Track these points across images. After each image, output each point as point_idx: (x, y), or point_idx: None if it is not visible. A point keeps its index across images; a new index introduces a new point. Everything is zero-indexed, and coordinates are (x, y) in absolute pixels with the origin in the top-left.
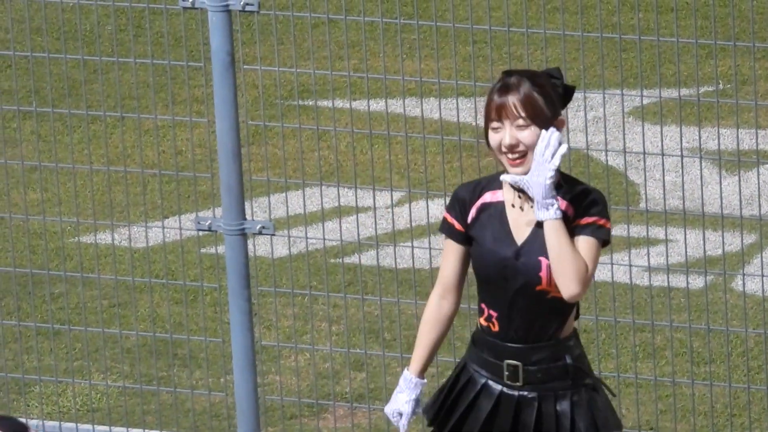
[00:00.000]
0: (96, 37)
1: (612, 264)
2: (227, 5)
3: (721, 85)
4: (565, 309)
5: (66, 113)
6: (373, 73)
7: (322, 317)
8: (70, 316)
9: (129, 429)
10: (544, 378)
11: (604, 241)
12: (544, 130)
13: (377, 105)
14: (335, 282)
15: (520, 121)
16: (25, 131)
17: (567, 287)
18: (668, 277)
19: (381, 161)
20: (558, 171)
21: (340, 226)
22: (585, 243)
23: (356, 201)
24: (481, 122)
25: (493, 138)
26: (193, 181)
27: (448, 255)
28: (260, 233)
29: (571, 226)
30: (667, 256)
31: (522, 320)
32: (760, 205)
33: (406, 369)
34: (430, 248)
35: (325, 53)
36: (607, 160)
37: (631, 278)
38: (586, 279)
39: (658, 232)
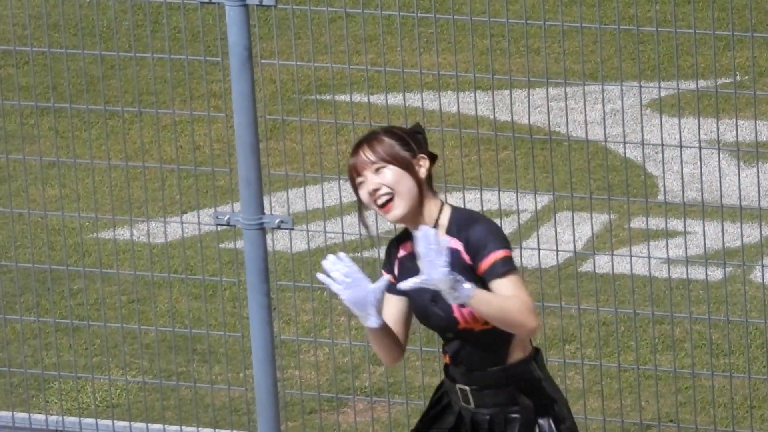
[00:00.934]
0: (113, 33)
1: (631, 256)
2: (245, 0)
3: (739, 77)
4: (503, 337)
5: (84, 109)
6: (391, 67)
7: (341, 312)
8: (89, 312)
9: (149, 424)
10: (494, 402)
11: (515, 268)
12: (417, 232)
13: (395, 99)
14: None
15: (375, 166)
16: (43, 127)
17: (522, 330)
18: (687, 269)
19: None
20: (447, 207)
21: (359, 220)
22: (504, 284)
23: None
24: (500, 115)
25: (363, 195)
26: (212, 176)
27: (388, 309)
28: (279, 227)
29: (478, 276)
30: (686, 248)
31: (463, 352)
32: None
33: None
34: None
35: (342, 47)
36: (625, 153)
37: (650, 270)
38: (532, 310)
39: (676, 224)
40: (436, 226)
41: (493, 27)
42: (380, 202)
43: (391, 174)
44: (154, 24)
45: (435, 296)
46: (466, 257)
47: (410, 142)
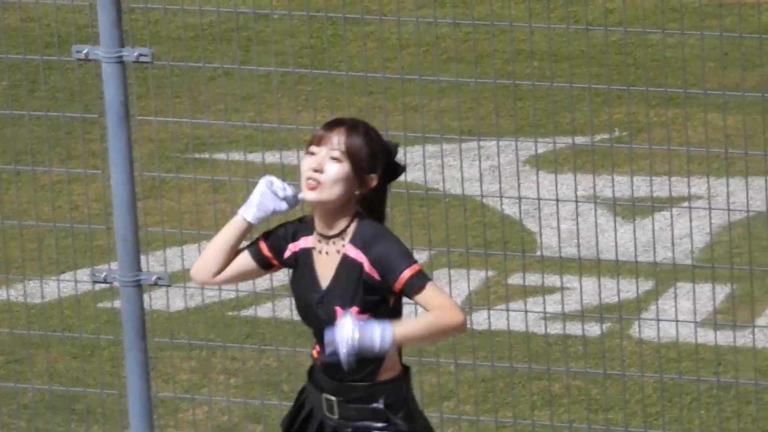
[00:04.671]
0: None
1: (508, 311)
2: (121, 56)
3: (617, 132)
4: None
5: None
6: (269, 124)
7: (219, 370)
8: None
9: None
10: (358, 416)
11: (429, 278)
12: (340, 321)
13: (273, 157)
14: (233, 334)
15: (336, 153)
16: None
17: (455, 331)
18: (564, 325)
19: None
20: (357, 218)
21: None
22: (423, 296)
23: None
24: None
25: (304, 163)
26: (89, 234)
27: (238, 259)
28: (156, 284)
29: (394, 294)
30: (563, 304)
31: (334, 360)
32: (655, 252)
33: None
34: None
35: (221, 106)
36: (502, 209)
37: (527, 326)
38: (453, 307)
39: (554, 279)
40: (341, 234)
41: (371, 84)
42: (311, 181)
43: (337, 171)
44: (31, 84)
45: (323, 297)
46: (372, 272)
47: (378, 158)
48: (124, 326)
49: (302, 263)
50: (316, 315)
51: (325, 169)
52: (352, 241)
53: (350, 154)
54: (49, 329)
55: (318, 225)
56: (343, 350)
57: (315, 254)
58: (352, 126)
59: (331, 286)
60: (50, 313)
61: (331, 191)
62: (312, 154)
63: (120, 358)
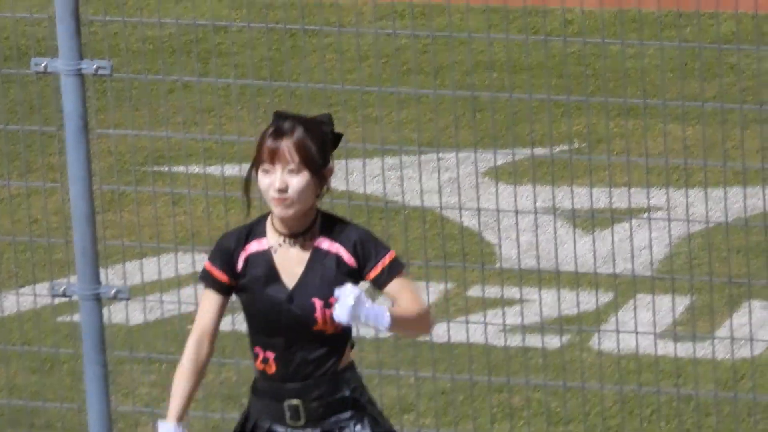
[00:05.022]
0: None
1: (467, 323)
2: (80, 69)
3: (576, 144)
4: (343, 343)
5: None
6: (228, 137)
7: None
8: None
9: None
10: (326, 413)
11: (404, 265)
12: (337, 289)
13: (232, 170)
14: None
15: (292, 166)
16: None
17: (429, 329)
18: (524, 337)
19: (237, 225)
20: (320, 213)
21: (196, 292)
22: (398, 284)
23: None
24: (337, 184)
25: (263, 181)
26: (48, 248)
27: (207, 304)
28: (115, 298)
29: (368, 279)
30: (522, 316)
31: (300, 359)
32: (614, 263)
33: (160, 421)
34: None
35: (180, 118)
36: (461, 221)
37: (487, 338)
38: (426, 308)
39: (514, 291)
40: (311, 229)
41: (330, 96)
42: (278, 198)
43: (301, 183)
44: None
45: (293, 294)
46: (350, 261)
47: (327, 148)
48: (83, 340)
49: (256, 266)
50: (288, 312)
51: (289, 185)
52: (323, 234)
53: (305, 162)
54: (8, 343)
55: (280, 227)
56: (350, 311)
57: (273, 255)
58: (294, 133)
59: (304, 280)
60: (9, 327)
61: (302, 201)
62: (266, 171)
63: (80, 371)
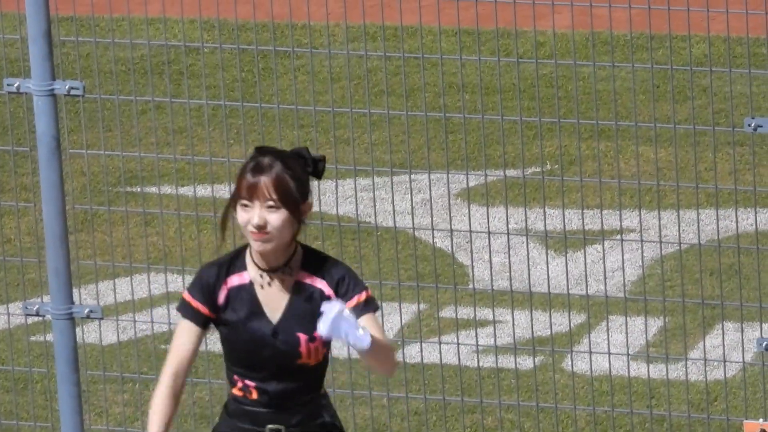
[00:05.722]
0: None
1: (440, 343)
2: (52, 89)
3: (548, 165)
4: (321, 371)
5: None
6: (200, 158)
7: None
8: None
9: None
10: None
11: (377, 308)
12: (325, 303)
13: (204, 190)
14: None
15: (270, 203)
16: None
17: (393, 369)
18: (497, 357)
19: (209, 246)
20: (299, 246)
21: (169, 312)
22: (369, 321)
23: (185, 286)
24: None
25: (242, 216)
26: (21, 268)
27: (185, 335)
28: (88, 317)
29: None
30: (495, 337)
31: (282, 389)
32: (587, 285)
33: None
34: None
35: (152, 139)
36: (434, 242)
37: (459, 359)
38: (394, 350)
39: (487, 313)
40: (290, 263)
41: (302, 117)
42: (257, 234)
43: (279, 219)
44: None
45: (277, 329)
46: (330, 294)
47: (304, 183)
48: (56, 359)
49: (238, 300)
50: (273, 346)
51: (268, 221)
52: (304, 268)
53: (283, 200)
54: None
55: (259, 261)
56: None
57: (256, 289)
58: (273, 168)
59: (288, 315)
60: None
61: (280, 237)
62: (245, 206)
63: (53, 391)
